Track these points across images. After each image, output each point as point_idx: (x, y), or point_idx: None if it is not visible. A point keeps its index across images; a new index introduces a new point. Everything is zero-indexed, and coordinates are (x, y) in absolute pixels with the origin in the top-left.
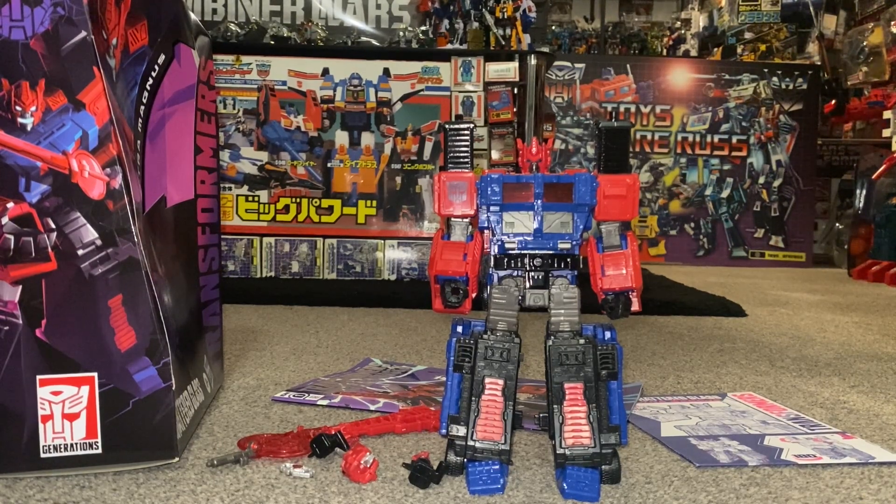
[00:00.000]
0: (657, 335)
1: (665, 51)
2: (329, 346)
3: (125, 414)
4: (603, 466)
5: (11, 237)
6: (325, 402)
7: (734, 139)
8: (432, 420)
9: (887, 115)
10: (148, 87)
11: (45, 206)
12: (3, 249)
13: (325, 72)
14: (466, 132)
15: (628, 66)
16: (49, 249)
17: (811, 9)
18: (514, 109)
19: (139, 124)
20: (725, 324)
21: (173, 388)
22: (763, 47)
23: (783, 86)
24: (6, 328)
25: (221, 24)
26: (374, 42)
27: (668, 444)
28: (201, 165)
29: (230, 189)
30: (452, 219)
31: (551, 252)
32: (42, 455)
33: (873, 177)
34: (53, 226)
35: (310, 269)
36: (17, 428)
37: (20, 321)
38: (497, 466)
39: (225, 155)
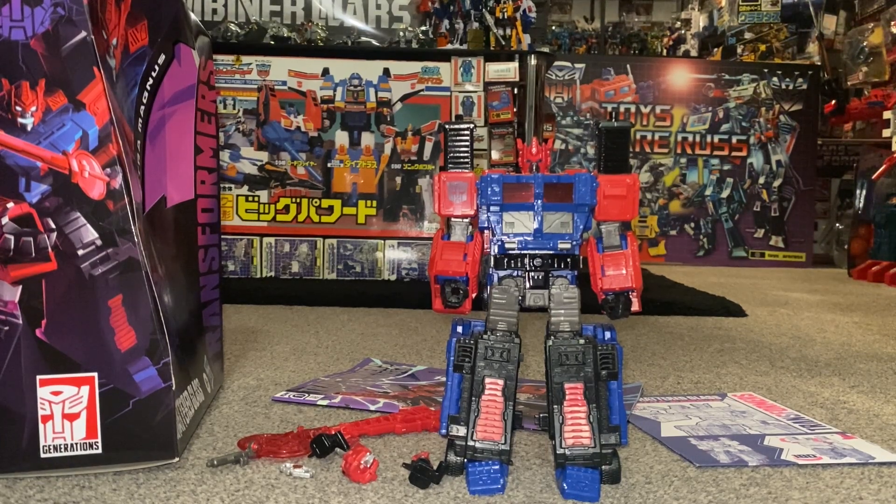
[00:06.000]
0: (657, 335)
1: (665, 51)
2: (329, 346)
3: (125, 414)
4: (603, 466)
5: (11, 237)
6: (325, 402)
7: (734, 139)
8: (432, 420)
9: (887, 115)
10: (148, 88)
11: (45, 206)
12: (3, 249)
13: (325, 72)
14: (466, 132)
15: (628, 66)
16: (49, 249)
17: (811, 9)
18: (514, 109)
19: (139, 124)
20: (725, 324)
21: (173, 388)
22: (763, 47)
23: (783, 86)
24: (6, 328)
25: (221, 24)
26: (374, 42)
27: (668, 444)
28: (201, 165)
29: (230, 189)
30: (452, 219)
31: (551, 252)
32: (42, 455)
33: (873, 177)
34: (53, 226)
35: (310, 269)
36: (17, 428)
37: (20, 321)
38: (497, 466)
39: (225, 155)
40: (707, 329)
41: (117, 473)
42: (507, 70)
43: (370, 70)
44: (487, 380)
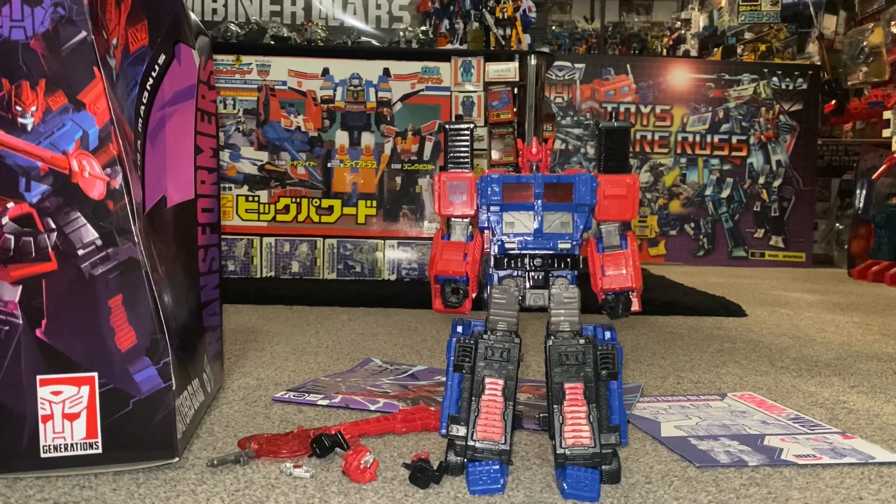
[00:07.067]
0: (657, 335)
1: (665, 51)
2: (329, 346)
3: (125, 414)
4: (603, 466)
5: (11, 237)
6: (325, 402)
7: (734, 139)
8: (432, 420)
9: (887, 115)
10: (148, 87)
11: (46, 206)
12: (4, 249)
13: (325, 72)
14: (466, 132)
15: (628, 66)
16: (49, 249)
17: (811, 9)
18: (514, 109)
19: (139, 124)
20: (725, 324)
21: (173, 388)
22: (763, 47)
23: (783, 86)
24: (6, 328)
25: (221, 24)
26: (374, 42)
27: (668, 444)
28: (201, 165)
29: (230, 189)
30: (452, 219)
31: (551, 252)
32: (42, 455)
33: (873, 177)
34: (53, 226)
35: (310, 269)
36: (17, 428)
37: (20, 321)
38: (497, 466)
39: (225, 155)
40: (707, 329)
41: (117, 473)
42: (507, 70)
43: (370, 70)
44: (487, 380)
